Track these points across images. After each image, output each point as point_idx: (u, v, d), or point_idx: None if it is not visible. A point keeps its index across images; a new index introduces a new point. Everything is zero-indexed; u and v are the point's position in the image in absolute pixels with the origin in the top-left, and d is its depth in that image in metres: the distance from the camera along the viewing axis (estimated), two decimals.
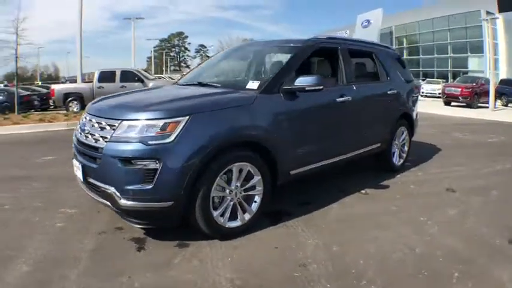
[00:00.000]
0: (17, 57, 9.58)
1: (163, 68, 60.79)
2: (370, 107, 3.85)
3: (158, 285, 2.04)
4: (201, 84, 3.29)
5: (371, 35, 35.87)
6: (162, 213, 2.34)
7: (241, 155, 2.54)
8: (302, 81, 2.84)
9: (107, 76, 12.57)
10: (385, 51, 4.43)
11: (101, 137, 2.43)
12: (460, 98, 15.10)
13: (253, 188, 2.67)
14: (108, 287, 2.02)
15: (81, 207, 3.16)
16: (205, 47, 67.81)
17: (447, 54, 32.38)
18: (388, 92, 4.13)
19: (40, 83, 34.10)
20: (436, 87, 22.08)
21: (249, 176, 2.63)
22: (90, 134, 2.54)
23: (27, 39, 9.47)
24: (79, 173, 2.63)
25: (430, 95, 21.26)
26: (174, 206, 2.31)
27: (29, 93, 13.59)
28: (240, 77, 3.73)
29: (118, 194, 2.31)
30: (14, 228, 2.79)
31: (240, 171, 2.57)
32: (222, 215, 2.53)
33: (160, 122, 2.29)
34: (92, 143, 2.49)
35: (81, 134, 2.66)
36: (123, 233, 2.66)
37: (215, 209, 2.49)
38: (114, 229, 2.72)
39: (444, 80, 23.73)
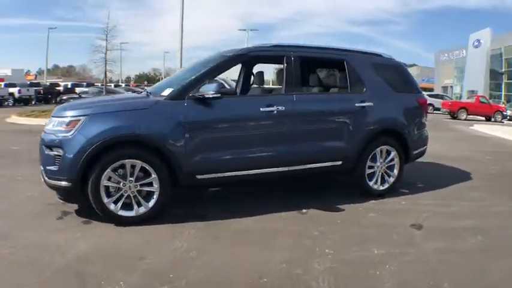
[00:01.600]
0: (106, 61, 12.00)
1: None
2: (320, 120, 3.52)
3: (39, 241, 2.59)
4: (146, 92, 3.68)
5: (481, 55, 30.68)
6: (66, 191, 2.85)
7: (130, 153, 2.82)
8: (204, 89, 2.93)
9: None
10: (364, 58, 3.88)
11: (45, 129, 3.10)
12: None
13: (150, 184, 2.89)
14: (13, 234, 2.69)
15: None
16: None
17: None
18: (357, 105, 3.65)
19: None
20: None
21: (148, 173, 2.87)
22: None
23: (116, 45, 11.71)
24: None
25: None
26: (72, 187, 2.78)
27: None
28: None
29: (44, 171, 2.91)
30: None
31: (133, 167, 2.83)
32: (115, 203, 2.84)
33: (67, 120, 2.83)
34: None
35: None
36: (62, 206, 3.22)
37: (109, 196, 2.83)
38: (61, 203, 3.25)
39: None
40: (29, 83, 24.67)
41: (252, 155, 3.19)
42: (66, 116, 2.85)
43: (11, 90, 21.00)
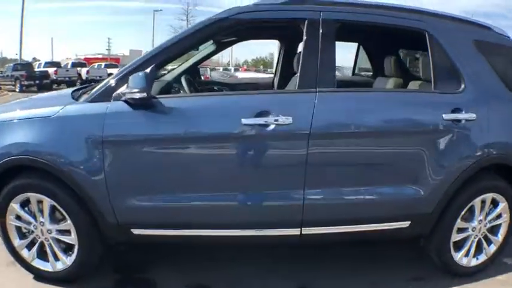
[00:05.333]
0: None
1: None
2: (368, 144, 1.92)
3: None
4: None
5: None
6: None
7: (29, 183, 1.91)
8: (132, 83, 1.76)
9: None
10: (462, 30, 2.06)
11: None
12: None
13: (67, 232, 1.97)
14: None
15: None
16: None
17: None
18: (446, 117, 1.91)
19: None
20: None
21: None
22: None
23: None
24: None
25: None
26: None
27: None
28: None
29: None
30: None
31: (40, 203, 1.94)
32: (30, 249, 2.03)
33: None
34: None
35: None
36: None
37: (21, 239, 2.02)
38: None
39: None
40: None
41: (228, 203, 1.89)
42: None
43: (110, 71, 20.46)
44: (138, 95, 1.72)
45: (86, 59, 31.59)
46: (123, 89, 1.82)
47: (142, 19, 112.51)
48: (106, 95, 1.86)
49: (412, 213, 1.97)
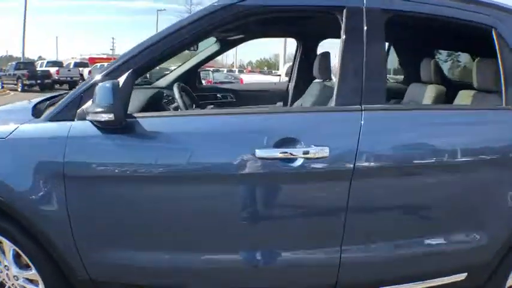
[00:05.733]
0: None
1: None
2: (438, 181, 1.46)
3: None
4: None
5: None
6: None
7: None
8: (95, 96, 1.28)
9: None
10: None
11: None
12: None
13: (36, 282, 1.56)
14: None
15: None
16: None
17: None
18: None
19: None
20: None
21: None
22: None
23: None
24: None
25: None
26: None
27: None
28: None
29: None
30: None
31: (2, 244, 1.54)
32: None
33: None
34: None
35: None
36: None
37: None
38: None
39: None
40: None
41: (236, 261, 1.44)
42: None
43: None
44: (103, 116, 1.25)
45: (90, 59, 31.24)
46: (88, 105, 1.34)
47: (150, 19, 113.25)
48: (71, 112, 1.40)
49: (471, 263, 1.54)
